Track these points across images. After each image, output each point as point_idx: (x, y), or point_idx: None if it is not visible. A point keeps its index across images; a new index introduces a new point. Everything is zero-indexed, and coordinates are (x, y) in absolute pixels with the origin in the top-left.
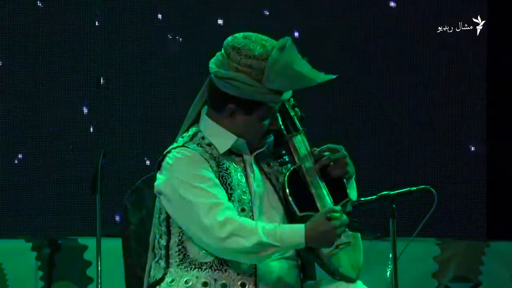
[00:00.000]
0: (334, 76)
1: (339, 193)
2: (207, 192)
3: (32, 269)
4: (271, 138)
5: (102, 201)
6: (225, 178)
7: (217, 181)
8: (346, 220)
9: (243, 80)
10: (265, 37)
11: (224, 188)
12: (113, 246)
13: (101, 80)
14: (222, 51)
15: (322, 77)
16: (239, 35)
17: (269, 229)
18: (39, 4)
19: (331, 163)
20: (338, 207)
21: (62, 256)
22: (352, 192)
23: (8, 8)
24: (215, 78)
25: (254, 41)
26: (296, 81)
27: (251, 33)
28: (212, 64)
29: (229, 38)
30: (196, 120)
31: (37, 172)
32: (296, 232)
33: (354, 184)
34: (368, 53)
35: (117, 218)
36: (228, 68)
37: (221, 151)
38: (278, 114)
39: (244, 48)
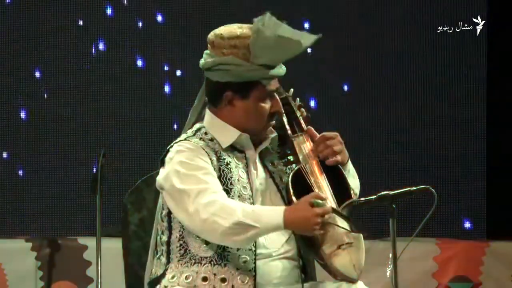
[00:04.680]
0: (318, 36)
1: (342, 194)
2: (198, 179)
3: (32, 269)
4: (274, 134)
5: (102, 201)
6: (226, 173)
7: (212, 170)
8: (329, 209)
9: (231, 61)
10: (245, 24)
11: (224, 183)
12: (113, 246)
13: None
14: (208, 46)
15: (307, 37)
16: (219, 27)
17: (249, 209)
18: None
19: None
20: (323, 195)
21: (62, 256)
22: (352, 180)
23: None
24: (206, 71)
25: (235, 26)
26: (283, 49)
27: (230, 24)
28: (201, 61)
29: (211, 32)
30: (197, 122)
31: (37, 172)
32: (275, 213)
33: (353, 171)
34: (368, 53)
35: (117, 218)
36: (215, 55)
37: (224, 146)
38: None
39: (226, 32)
